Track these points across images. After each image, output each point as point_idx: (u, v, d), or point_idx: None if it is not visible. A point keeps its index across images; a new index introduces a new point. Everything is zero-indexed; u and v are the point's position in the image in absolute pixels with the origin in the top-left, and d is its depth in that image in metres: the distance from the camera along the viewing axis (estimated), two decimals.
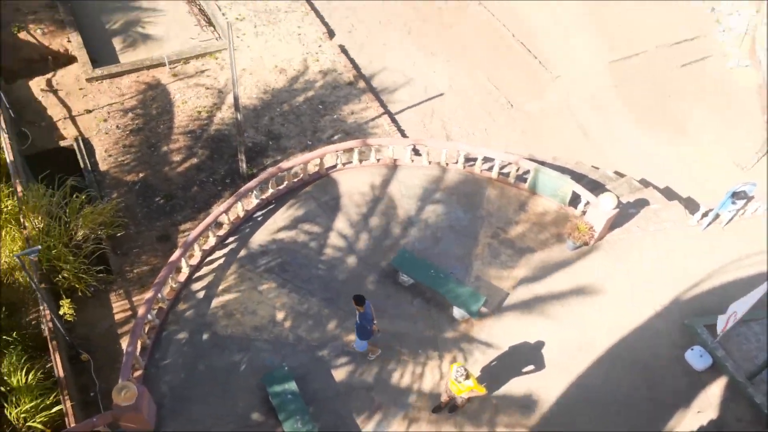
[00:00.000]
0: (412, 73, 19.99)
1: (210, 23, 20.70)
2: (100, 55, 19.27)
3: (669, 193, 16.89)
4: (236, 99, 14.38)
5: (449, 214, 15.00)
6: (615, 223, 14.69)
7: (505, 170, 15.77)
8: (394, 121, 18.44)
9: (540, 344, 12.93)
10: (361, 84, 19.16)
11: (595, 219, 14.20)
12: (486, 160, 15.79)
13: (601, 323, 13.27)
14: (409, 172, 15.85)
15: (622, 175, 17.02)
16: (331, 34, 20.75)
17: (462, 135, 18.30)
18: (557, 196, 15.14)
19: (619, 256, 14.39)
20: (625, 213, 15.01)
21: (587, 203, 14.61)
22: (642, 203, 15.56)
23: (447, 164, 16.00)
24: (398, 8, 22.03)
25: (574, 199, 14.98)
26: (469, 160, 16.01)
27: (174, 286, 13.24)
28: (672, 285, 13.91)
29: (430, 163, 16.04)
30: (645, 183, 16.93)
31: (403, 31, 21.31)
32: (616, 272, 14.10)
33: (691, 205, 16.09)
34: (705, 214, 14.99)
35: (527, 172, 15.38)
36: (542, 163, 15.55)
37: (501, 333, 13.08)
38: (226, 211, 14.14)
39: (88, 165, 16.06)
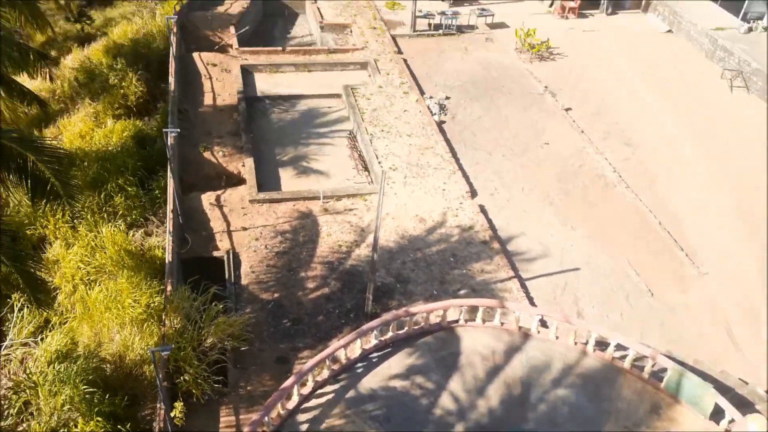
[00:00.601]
0: (548, 243, 19.95)
1: (366, 169, 22.55)
2: (266, 180, 21.51)
3: None
4: (376, 240, 15.15)
5: (572, 399, 14.01)
6: None
7: (639, 362, 14.70)
8: (523, 286, 18.21)
9: None
10: (495, 245, 19.39)
11: None
12: (619, 347, 14.86)
13: None
14: (534, 343, 15.29)
15: None
16: (473, 193, 21.58)
17: (595, 315, 17.54)
18: (697, 405, 13.69)
19: None
20: None
21: (732, 421, 13.04)
22: None
23: (576, 343, 15.27)
24: (543, 179, 22.61)
25: (717, 413, 13.43)
26: (601, 343, 15.16)
27: (281, 412, 13.31)
28: None
29: (557, 338, 15.41)
30: None
31: (544, 201, 21.66)
32: None
33: None
34: None
35: (664, 370, 14.20)
36: (682, 364, 14.31)
37: None
38: (344, 347, 14.34)
39: (232, 277, 17.33)
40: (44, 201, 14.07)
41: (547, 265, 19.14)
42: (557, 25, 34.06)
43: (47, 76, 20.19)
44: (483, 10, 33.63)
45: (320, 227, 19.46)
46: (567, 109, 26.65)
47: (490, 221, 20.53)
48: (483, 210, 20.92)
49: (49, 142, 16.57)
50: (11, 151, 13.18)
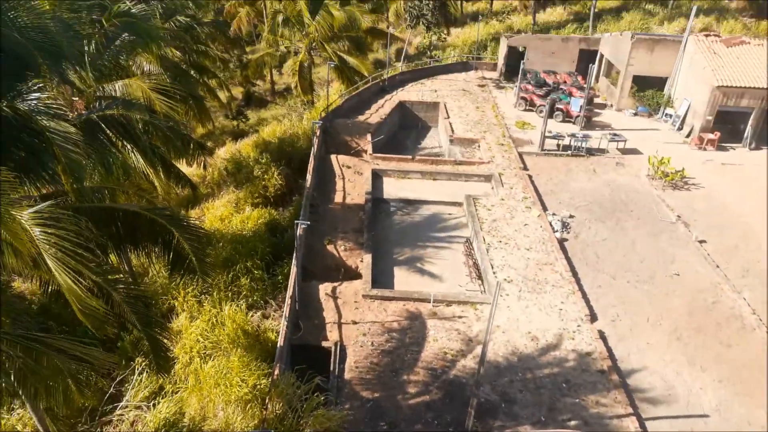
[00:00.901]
0: (673, 382, 18.19)
1: (480, 277, 22.37)
2: (381, 277, 22.00)
3: None
4: (484, 353, 14.66)
5: None
6: None
7: None
8: (642, 427, 16.53)
9: None
10: (614, 377, 17.99)
11: None
12: None
13: None
14: None
15: None
16: (593, 317, 20.49)
17: None
18: None
19: None
20: None
21: None
22: None
23: None
24: (670, 312, 21.03)
25: None
26: None
27: None
28: None
29: None
30: None
31: (672, 335, 20.01)
32: None
33: None
34: None
35: None
36: None
37: None
38: None
39: (337, 370, 17.44)
40: (180, 274, 15.35)
41: (670, 407, 17.35)
42: (693, 155, 33.00)
43: (202, 164, 22.71)
44: (615, 135, 33.48)
45: (427, 331, 19.27)
46: (701, 241, 25.08)
47: (609, 350, 19.22)
48: (602, 336, 19.70)
49: (193, 221, 18.34)
50: (162, 227, 14.72)
